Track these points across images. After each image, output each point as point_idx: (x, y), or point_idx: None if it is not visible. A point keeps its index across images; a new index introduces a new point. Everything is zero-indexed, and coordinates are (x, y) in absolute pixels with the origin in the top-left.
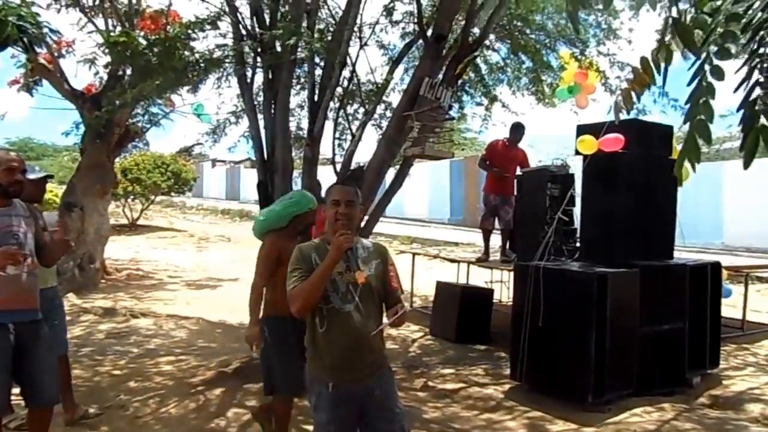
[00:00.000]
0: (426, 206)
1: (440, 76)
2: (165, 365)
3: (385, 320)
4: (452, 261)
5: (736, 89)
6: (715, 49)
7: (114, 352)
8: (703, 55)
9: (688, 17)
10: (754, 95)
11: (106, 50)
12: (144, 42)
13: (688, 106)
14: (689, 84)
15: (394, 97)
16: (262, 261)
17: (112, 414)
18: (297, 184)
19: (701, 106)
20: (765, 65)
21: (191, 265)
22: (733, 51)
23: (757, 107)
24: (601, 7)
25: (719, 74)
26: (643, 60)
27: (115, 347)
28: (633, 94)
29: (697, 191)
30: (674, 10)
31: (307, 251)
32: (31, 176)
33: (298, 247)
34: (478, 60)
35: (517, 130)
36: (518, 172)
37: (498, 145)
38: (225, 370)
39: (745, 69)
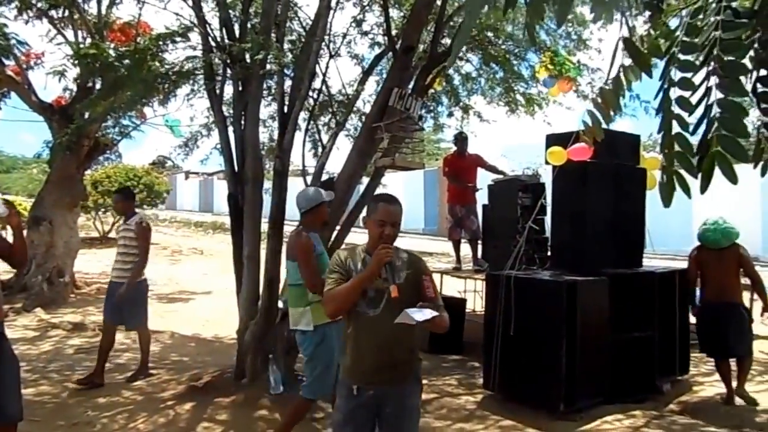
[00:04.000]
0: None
1: (410, 87)
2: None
3: (417, 315)
4: None
5: (692, 111)
6: (676, 65)
7: (83, 367)
8: (661, 70)
9: (644, 37)
10: (711, 115)
11: (76, 62)
12: (114, 54)
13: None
14: (657, 114)
15: (368, 108)
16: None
17: (78, 431)
18: (268, 195)
19: (675, 137)
20: (719, 85)
21: (163, 279)
22: (697, 63)
23: (711, 133)
24: (555, 20)
25: (688, 85)
26: (603, 91)
27: (85, 362)
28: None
29: None
30: (625, 29)
31: (343, 256)
32: (327, 198)
33: (336, 252)
34: (451, 70)
35: (462, 141)
36: (482, 175)
37: (451, 158)
38: (196, 384)
39: (703, 88)
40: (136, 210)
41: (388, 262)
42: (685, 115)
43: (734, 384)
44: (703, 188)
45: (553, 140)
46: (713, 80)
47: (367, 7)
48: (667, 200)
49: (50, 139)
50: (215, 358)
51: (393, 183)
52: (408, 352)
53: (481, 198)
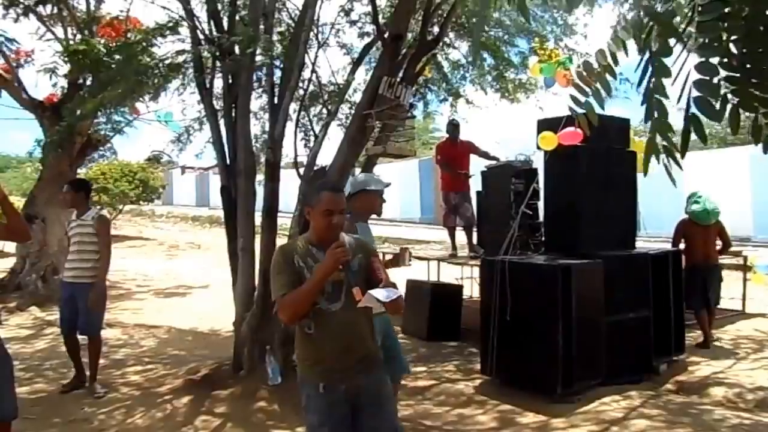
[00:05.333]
0: (397, 206)
1: (400, 75)
2: (132, 375)
3: (382, 296)
4: (421, 259)
5: (673, 82)
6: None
7: None
8: (646, 56)
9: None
10: (687, 87)
11: (66, 59)
12: (104, 49)
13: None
14: (638, 85)
15: (359, 98)
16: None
17: (76, 427)
18: (262, 187)
19: (655, 104)
20: (698, 47)
21: (161, 274)
22: (672, 46)
23: (691, 98)
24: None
25: (665, 72)
26: (587, 64)
27: (81, 359)
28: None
29: (659, 182)
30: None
31: (289, 253)
32: (372, 187)
33: (279, 248)
34: (440, 58)
35: (454, 128)
36: (476, 161)
37: (443, 146)
38: (193, 377)
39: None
40: (90, 205)
41: (345, 262)
42: (667, 83)
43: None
44: (683, 152)
45: (544, 125)
46: (690, 45)
47: None
48: (644, 169)
49: (42, 137)
50: (213, 352)
51: (388, 172)
52: (372, 340)
53: (475, 184)
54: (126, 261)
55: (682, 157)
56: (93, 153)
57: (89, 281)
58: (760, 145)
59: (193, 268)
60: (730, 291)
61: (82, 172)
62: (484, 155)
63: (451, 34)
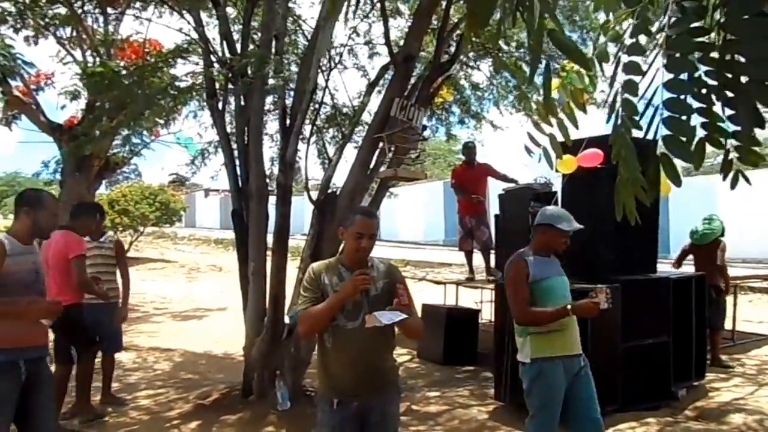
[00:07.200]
0: (421, 228)
1: (415, 96)
2: (143, 399)
3: (386, 318)
4: (438, 283)
5: (640, 118)
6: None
7: (95, 389)
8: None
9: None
10: (655, 123)
11: (85, 81)
12: (117, 71)
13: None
14: (607, 121)
15: None
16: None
17: None
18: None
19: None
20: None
21: (179, 296)
22: (644, 66)
23: (658, 136)
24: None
25: (633, 89)
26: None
27: (94, 383)
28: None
29: (691, 203)
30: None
31: (318, 271)
32: (560, 226)
33: (311, 266)
34: (463, 79)
35: (469, 151)
36: (490, 183)
37: (459, 170)
38: (203, 402)
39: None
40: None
41: (364, 290)
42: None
43: None
44: (650, 196)
45: (563, 148)
46: (659, 80)
47: (369, 18)
48: (626, 214)
49: (48, 159)
50: (226, 376)
51: (413, 195)
52: (388, 360)
53: (495, 207)
54: (145, 283)
55: (649, 201)
56: (111, 175)
57: (115, 300)
58: None
59: (213, 290)
60: (759, 315)
61: (104, 194)
62: (503, 178)
63: (471, 54)
